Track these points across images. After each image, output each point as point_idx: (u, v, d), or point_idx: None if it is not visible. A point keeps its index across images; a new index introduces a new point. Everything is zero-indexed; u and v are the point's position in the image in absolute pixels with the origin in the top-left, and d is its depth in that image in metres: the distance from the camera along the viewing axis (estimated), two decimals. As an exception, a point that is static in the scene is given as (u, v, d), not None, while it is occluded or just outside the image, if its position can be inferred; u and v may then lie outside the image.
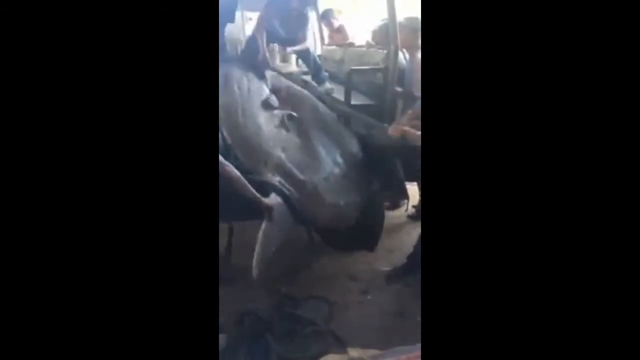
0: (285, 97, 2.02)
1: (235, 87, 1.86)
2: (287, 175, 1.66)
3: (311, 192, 1.68)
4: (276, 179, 1.58)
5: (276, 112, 1.91)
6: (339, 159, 1.94)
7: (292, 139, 1.87)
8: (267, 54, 2.14)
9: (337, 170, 1.89)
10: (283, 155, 1.73)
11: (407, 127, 1.64)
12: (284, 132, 1.87)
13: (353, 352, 1.25)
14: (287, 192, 1.57)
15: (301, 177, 1.70)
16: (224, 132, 1.63)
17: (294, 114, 1.92)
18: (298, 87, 2.16)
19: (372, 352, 1.22)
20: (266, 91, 1.96)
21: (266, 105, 1.90)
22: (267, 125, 1.83)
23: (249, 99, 1.87)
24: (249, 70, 1.99)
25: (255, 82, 1.97)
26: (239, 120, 1.72)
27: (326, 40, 3.30)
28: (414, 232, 2.07)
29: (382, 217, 2.01)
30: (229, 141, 1.63)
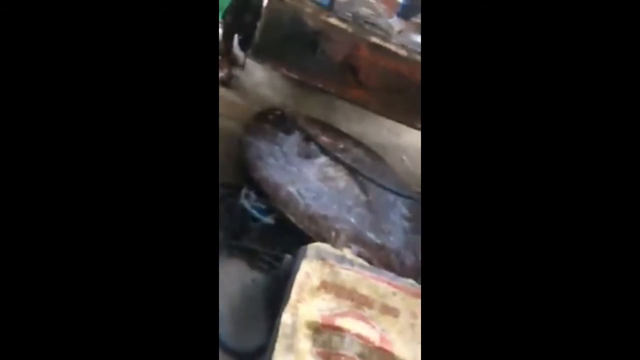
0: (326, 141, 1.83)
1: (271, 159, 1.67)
2: (364, 243, 1.44)
3: (393, 257, 1.45)
4: (354, 251, 1.37)
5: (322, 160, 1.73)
6: (404, 209, 1.72)
7: (353, 193, 1.67)
8: None
9: (406, 224, 1.67)
10: (353, 220, 1.52)
11: None
12: (340, 186, 1.68)
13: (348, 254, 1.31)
14: (368, 264, 1.35)
15: (378, 241, 1.48)
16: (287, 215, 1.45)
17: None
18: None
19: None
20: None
21: (307, 155, 1.73)
22: (324, 185, 1.65)
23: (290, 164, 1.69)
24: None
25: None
26: (293, 195, 1.54)
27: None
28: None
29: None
30: (294, 221, 1.44)
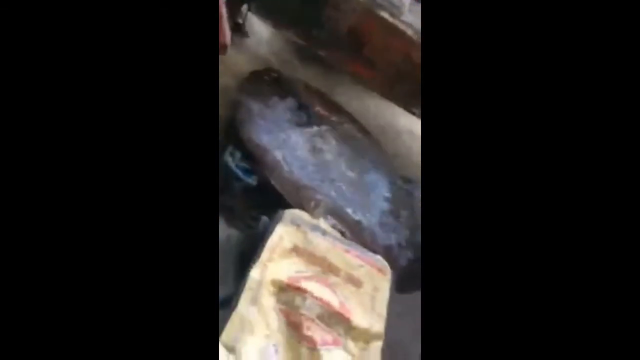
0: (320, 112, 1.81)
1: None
2: (340, 217, 1.47)
3: (367, 235, 1.48)
4: (330, 222, 1.39)
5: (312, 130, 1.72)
6: (386, 192, 1.74)
7: (339, 168, 1.68)
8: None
9: (386, 206, 1.70)
10: (334, 194, 1.54)
11: None
12: (327, 159, 1.68)
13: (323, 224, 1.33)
14: (340, 236, 1.38)
15: (355, 217, 1.51)
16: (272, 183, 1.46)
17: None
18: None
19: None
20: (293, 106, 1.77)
21: (298, 123, 1.71)
22: (311, 155, 1.65)
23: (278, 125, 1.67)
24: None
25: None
26: (278, 160, 1.54)
27: None
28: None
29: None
30: (276, 186, 1.45)
